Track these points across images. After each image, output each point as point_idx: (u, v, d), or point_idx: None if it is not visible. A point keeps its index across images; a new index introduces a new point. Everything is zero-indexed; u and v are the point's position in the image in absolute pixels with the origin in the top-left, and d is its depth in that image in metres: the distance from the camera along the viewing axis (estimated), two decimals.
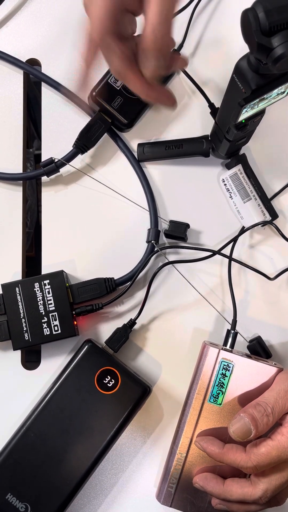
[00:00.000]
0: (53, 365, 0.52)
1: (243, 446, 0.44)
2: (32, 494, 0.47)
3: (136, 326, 0.52)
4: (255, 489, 0.43)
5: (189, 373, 0.49)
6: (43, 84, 0.57)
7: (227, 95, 0.43)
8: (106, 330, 0.53)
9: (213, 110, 0.52)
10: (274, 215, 0.54)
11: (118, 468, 0.51)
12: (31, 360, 0.54)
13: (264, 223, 0.53)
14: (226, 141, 0.49)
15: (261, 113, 0.45)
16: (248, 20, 0.34)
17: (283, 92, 0.42)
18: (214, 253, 0.51)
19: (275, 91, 0.40)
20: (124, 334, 0.51)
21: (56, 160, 0.54)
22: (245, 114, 0.42)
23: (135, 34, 0.43)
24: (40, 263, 0.55)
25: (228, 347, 0.49)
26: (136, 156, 0.55)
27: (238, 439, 0.43)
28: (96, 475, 0.51)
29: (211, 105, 0.52)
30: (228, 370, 0.47)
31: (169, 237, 0.54)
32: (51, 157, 0.54)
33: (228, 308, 0.53)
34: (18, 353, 0.53)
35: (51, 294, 0.50)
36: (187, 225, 0.53)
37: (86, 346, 0.50)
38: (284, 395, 0.44)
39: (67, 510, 0.48)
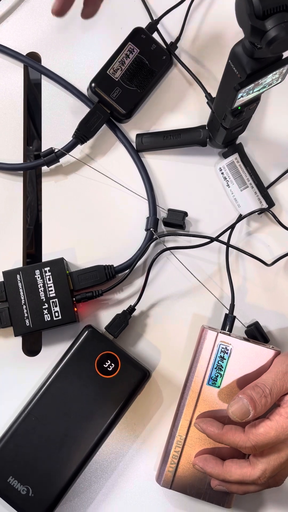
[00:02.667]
0: (54, 351, 0.53)
1: (241, 427, 0.45)
2: (33, 477, 0.47)
3: (135, 313, 0.53)
4: (254, 469, 0.44)
5: (188, 358, 0.50)
6: (43, 77, 0.58)
7: (223, 82, 0.44)
8: (105, 316, 0.54)
9: (210, 100, 0.53)
10: (270, 203, 0.54)
11: (119, 453, 0.51)
12: (32, 347, 0.55)
13: (261, 211, 0.54)
14: (223, 129, 0.50)
15: (257, 100, 0.46)
16: (242, 4, 0.35)
17: (278, 79, 0.43)
18: (212, 240, 0.52)
19: (270, 76, 0.41)
20: (124, 320, 0.52)
21: (56, 150, 0.55)
22: (241, 100, 0.43)
23: None
24: (41, 254, 0.55)
25: (226, 330, 0.49)
26: (135, 146, 0.56)
27: (236, 420, 0.43)
28: (96, 459, 0.51)
29: (208, 94, 0.53)
30: (226, 353, 0.47)
31: (168, 225, 0.55)
32: (51, 147, 0.54)
33: (226, 294, 0.54)
34: (19, 340, 0.54)
35: (51, 281, 0.51)
36: (185, 213, 0.54)
37: (87, 331, 0.50)
38: (282, 377, 0.44)
39: (68, 493, 0.49)
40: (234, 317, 0.50)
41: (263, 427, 0.43)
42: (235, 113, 0.46)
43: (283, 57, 0.40)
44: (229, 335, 0.48)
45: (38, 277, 0.51)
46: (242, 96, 0.42)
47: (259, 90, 0.43)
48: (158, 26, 0.56)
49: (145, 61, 0.54)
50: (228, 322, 0.50)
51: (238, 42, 0.39)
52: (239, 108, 0.45)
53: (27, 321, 0.51)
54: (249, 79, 0.40)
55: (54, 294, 0.51)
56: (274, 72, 0.41)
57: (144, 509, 0.51)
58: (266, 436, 0.43)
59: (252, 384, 0.44)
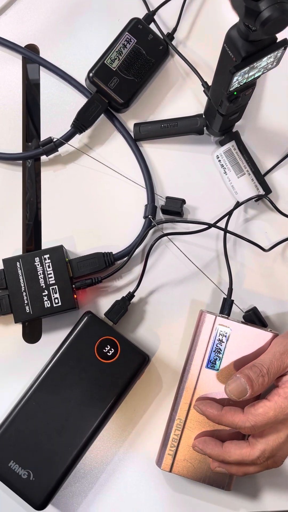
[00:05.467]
0: (54, 338, 0.53)
1: (241, 408, 0.45)
2: (34, 462, 0.48)
3: (134, 299, 0.53)
4: (253, 450, 0.44)
5: (187, 344, 0.50)
6: (41, 68, 0.59)
7: (219, 66, 0.45)
8: (105, 303, 0.54)
9: (207, 88, 0.53)
10: (267, 189, 0.55)
11: (119, 437, 0.52)
12: (32, 334, 0.55)
13: (258, 197, 0.54)
14: (220, 116, 0.50)
15: (252, 85, 0.47)
16: None
17: (273, 63, 0.43)
18: (209, 226, 0.53)
19: (265, 59, 0.41)
20: (123, 306, 0.52)
21: (54, 140, 0.55)
22: (237, 84, 0.44)
23: None
24: (40, 244, 0.56)
25: (224, 314, 0.50)
26: (133, 136, 0.57)
27: (233, 398, 0.44)
28: (97, 444, 0.51)
29: (204, 83, 0.54)
30: (225, 336, 0.48)
31: (166, 212, 0.55)
32: (50, 137, 0.55)
33: (224, 280, 0.54)
34: (19, 327, 0.54)
35: (51, 268, 0.52)
36: (183, 201, 0.55)
37: (86, 317, 0.51)
38: (279, 357, 0.45)
39: (69, 478, 0.49)
40: (232, 301, 0.50)
41: (262, 408, 0.44)
42: (231, 98, 0.46)
43: (278, 40, 0.41)
44: (228, 318, 0.48)
45: (38, 265, 0.52)
46: (237, 80, 0.43)
47: (254, 75, 0.44)
48: (155, 16, 0.57)
49: (142, 51, 0.55)
50: (226, 306, 0.50)
51: (233, 26, 0.40)
52: (235, 93, 0.46)
53: (27, 308, 0.51)
54: (245, 62, 0.41)
55: (53, 281, 0.51)
56: (269, 55, 0.41)
57: (145, 492, 0.51)
58: (265, 416, 0.43)
59: (249, 364, 0.45)
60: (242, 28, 0.39)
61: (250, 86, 0.46)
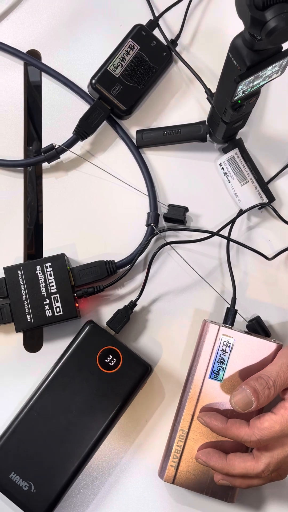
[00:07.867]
0: (55, 347, 0.53)
1: (245, 420, 0.45)
2: (35, 473, 0.47)
3: (137, 308, 0.53)
4: (258, 463, 0.44)
5: (190, 353, 0.50)
6: (43, 74, 0.58)
7: (223, 75, 0.44)
8: (107, 312, 0.54)
9: (210, 95, 0.53)
10: (271, 197, 0.55)
11: (121, 448, 0.51)
12: (33, 343, 0.55)
13: (261, 205, 0.54)
14: (223, 124, 0.50)
15: (257, 93, 0.46)
16: None
17: (277, 71, 0.43)
18: (212, 234, 0.52)
19: (270, 68, 0.41)
20: (125, 315, 0.52)
21: (56, 146, 0.55)
22: (241, 93, 0.43)
23: None
24: (41, 251, 0.55)
25: (228, 324, 0.49)
26: (135, 142, 0.56)
27: (239, 410, 0.43)
28: (98, 455, 0.51)
29: (208, 90, 0.53)
30: (228, 347, 0.47)
31: (168, 220, 0.55)
32: (52, 143, 0.55)
33: (227, 289, 0.54)
34: (20, 336, 0.54)
35: (52, 277, 0.51)
36: (186, 209, 0.54)
37: (88, 327, 0.50)
38: (286, 369, 0.44)
39: (70, 489, 0.48)
40: (236, 310, 0.50)
41: (268, 421, 0.43)
42: (235, 107, 0.46)
43: (283, 49, 0.40)
44: (231, 328, 0.48)
45: (39, 273, 0.51)
46: (242, 89, 0.42)
47: (259, 83, 0.43)
48: (158, 22, 0.57)
49: (145, 58, 0.55)
50: (230, 315, 0.50)
51: (238, 34, 0.40)
52: (239, 101, 0.45)
53: (28, 316, 0.50)
54: (249, 71, 0.40)
55: (55, 290, 0.51)
56: (274, 65, 0.41)
57: (147, 504, 0.50)
58: (271, 430, 0.43)
59: (255, 376, 0.44)
60: (247, 37, 0.38)
61: (254, 95, 0.46)
